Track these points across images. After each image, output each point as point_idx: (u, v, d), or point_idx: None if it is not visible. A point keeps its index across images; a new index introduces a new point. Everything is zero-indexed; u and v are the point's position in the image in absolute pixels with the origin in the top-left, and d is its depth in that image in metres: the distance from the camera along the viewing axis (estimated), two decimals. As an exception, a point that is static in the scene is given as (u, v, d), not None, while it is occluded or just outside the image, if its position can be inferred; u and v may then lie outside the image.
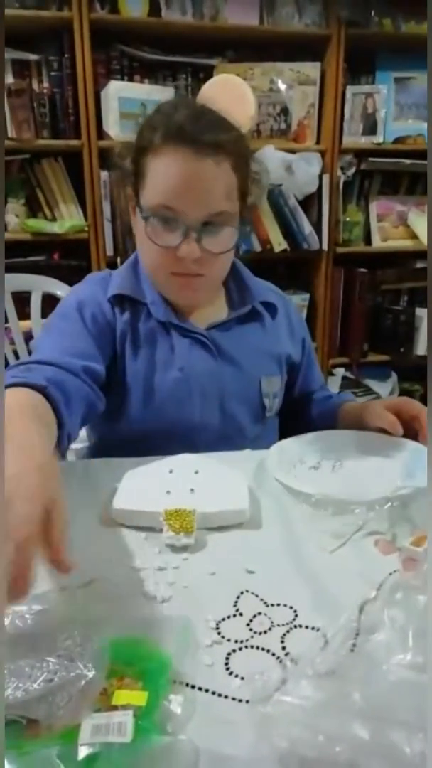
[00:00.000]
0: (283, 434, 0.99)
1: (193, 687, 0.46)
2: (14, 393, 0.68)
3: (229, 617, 0.55)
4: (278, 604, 0.57)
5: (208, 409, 0.96)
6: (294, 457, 0.88)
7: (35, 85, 1.99)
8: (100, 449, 1.03)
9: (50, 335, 0.90)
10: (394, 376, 2.42)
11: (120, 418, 0.94)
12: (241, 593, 0.59)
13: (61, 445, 0.74)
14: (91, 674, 0.42)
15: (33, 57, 1.96)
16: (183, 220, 0.81)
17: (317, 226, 2.15)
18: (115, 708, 0.41)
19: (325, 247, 2.17)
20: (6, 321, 1.69)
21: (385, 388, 2.37)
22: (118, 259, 2.00)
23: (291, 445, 0.91)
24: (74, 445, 1.09)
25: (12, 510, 0.45)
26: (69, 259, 2.05)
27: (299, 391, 1.11)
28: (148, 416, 0.94)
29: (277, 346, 1.03)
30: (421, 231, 2.29)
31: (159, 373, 0.93)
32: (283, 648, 0.51)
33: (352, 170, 2.20)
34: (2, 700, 0.42)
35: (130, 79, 2.02)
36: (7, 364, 0.83)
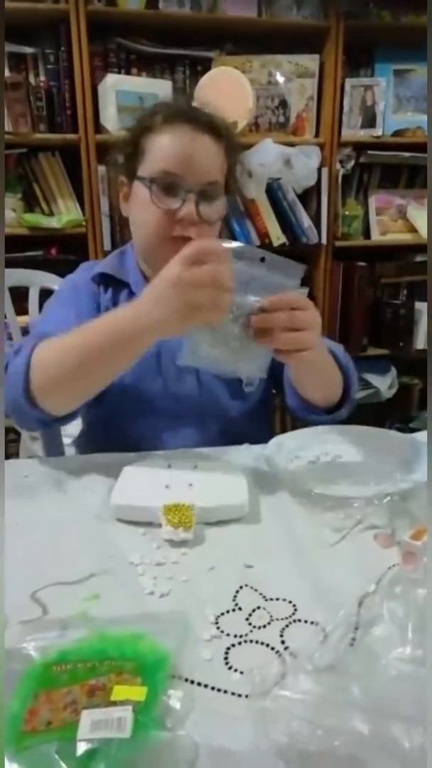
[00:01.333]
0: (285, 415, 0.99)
1: (192, 682, 0.46)
2: (47, 341, 0.82)
3: (228, 612, 0.55)
4: (277, 599, 0.57)
5: (186, 381, 0.99)
6: (293, 452, 0.88)
7: (32, 79, 1.97)
8: (91, 431, 1.06)
9: (49, 315, 0.99)
10: (393, 370, 2.42)
11: (104, 393, 0.94)
12: (240, 587, 0.58)
13: None
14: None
15: (29, 50, 1.95)
16: (183, 185, 0.89)
17: (316, 220, 2.14)
18: (114, 703, 0.41)
19: (324, 240, 2.16)
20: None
21: (384, 381, 2.37)
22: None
23: (290, 439, 0.91)
24: (71, 430, 1.10)
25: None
26: (67, 253, 2.04)
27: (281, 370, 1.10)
28: (129, 388, 0.96)
29: None
30: (421, 224, 2.28)
31: None
32: (283, 642, 0.51)
33: (351, 163, 2.19)
34: (2, 701, 0.41)
35: (128, 72, 2.01)
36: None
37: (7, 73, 1.92)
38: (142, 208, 0.92)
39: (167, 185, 0.89)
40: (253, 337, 0.70)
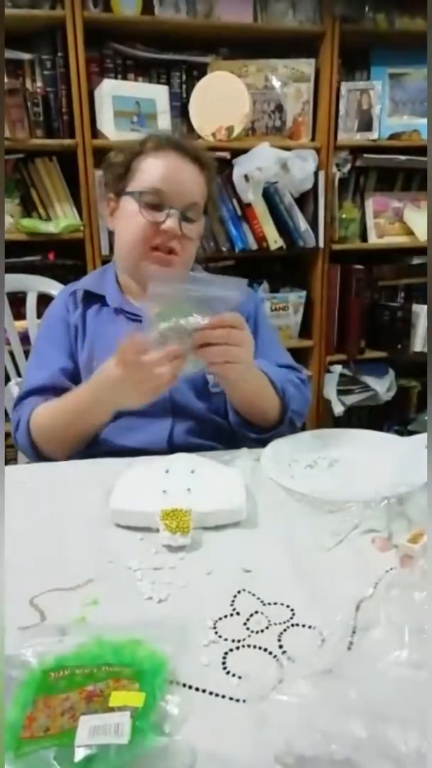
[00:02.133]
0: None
1: (190, 687, 0.46)
2: (38, 413, 0.97)
3: (226, 616, 0.55)
4: (275, 603, 0.57)
5: None
6: (290, 456, 0.89)
7: (29, 85, 1.98)
8: None
9: (33, 360, 1.10)
10: (391, 373, 2.42)
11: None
12: (238, 592, 0.59)
13: None
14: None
15: (26, 56, 1.95)
16: (168, 202, 0.99)
17: (313, 224, 2.14)
18: (112, 709, 0.41)
19: (321, 244, 2.16)
20: (2, 321, 1.68)
21: (382, 384, 2.37)
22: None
23: (286, 443, 0.91)
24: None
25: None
26: (64, 258, 2.04)
27: None
28: None
29: None
30: (417, 227, 2.28)
31: (100, 353, 1.01)
32: (281, 647, 0.51)
33: (348, 167, 2.19)
34: (2, 702, 0.42)
35: (124, 78, 2.01)
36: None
37: (4, 79, 1.92)
38: (129, 219, 1.01)
39: (154, 201, 0.99)
40: (193, 350, 0.82)
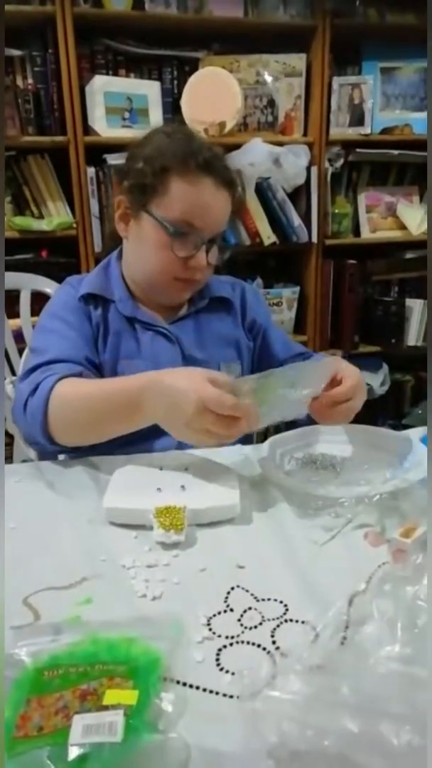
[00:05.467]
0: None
1: (184, 684, 0.46)
2: (65, 384, 0.86)
3: (219, 613, 0.55)
4: (269, 599, 0.57)
5: None
6: (284, 452, 0.89)
7: (19, 81, 1.97)
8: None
9: (49, 336, 0.99)
10: (385, 367, 2.43)
11: None
12: (232, 588, 0.59)
13: None
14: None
15: (16, 53, 1.94)
16: (200, 235, 0.95)
17: (306, 219, 2.14)
18: (105, 708, 0.41)
19: (314, 239, 2.16)
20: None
21: (376, 379, 2.38)
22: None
23: (282, 439, 0.91)
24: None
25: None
26: (57, 256, 2.03)
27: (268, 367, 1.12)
28: None
29: (233, 334, 1.11)
30: (410, 222, 2.29)
31: (124, 361, 1.00)
32: (274, 642, 0.51)
33: (340, 162, 2.19)
34: (2, 702, 0.42)
35: (115, 74, 2.01)
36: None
37: (-6, 75, 1.91)
38: (156, 249, 0.96)
39: (184, 233, 0.94)
40: (319, 420, 0.85)
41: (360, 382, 0.86)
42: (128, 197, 0.99)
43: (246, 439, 1.02)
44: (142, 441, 0.93)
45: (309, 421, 0.92)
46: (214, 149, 0.98)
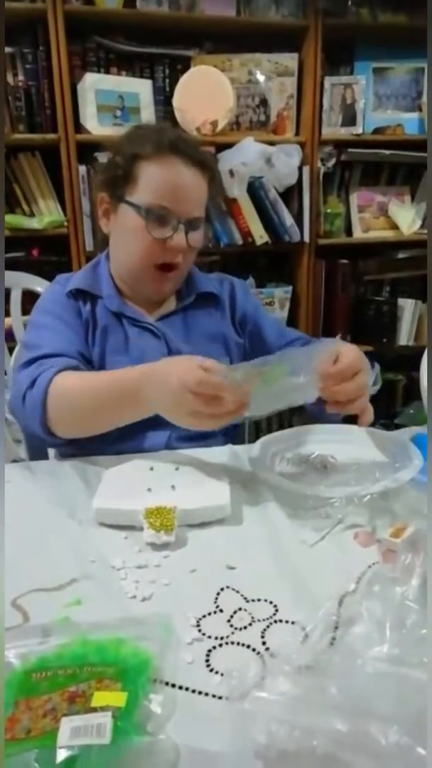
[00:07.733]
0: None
1: (173, 685, 0.46)
2: (63, 376, 0.87)
3: (209, 614, 0.55)
4: (259, 600, 0.57)
5: None
6: (274, 452, 0.89)
7: (10, 79, 1.95)
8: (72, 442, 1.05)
9: (42, 331, 1.00)
10: (377, 367, 2.42)
11: None
12: (222, 589, 0.59)
13: None
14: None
15: (7, 49, 1.93)
16: (174, 216, 0.95)
17: (298, 218, 2.14)
18: (94, 710, 0.41)
19: (306, 239, 2.16)
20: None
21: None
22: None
23: (273, 439, 0.91)
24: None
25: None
26: (49, 254, 2.03)
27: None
28: None
29: (221, 330, 1.11)
30: (402, 221, 2.29)
31: (111, 357, 1.01)
32: (264, 643, 0.52)
33: (332, 161, 2.19)
34: (2, 701, 0.41)
35: (107, 72, 2.00)
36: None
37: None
38: (134, 235, 0.97)
39: (160, 216, 0.95)
40: (327, 408, 0.80)
41: (358, 356, 0.84)
42: (107, 192, 1.00)
43: (237, 439, 1.02)
44: (132, 437, 0.93)
45: (314, 413, 0.95)
46: (181, 133, 1.00)
